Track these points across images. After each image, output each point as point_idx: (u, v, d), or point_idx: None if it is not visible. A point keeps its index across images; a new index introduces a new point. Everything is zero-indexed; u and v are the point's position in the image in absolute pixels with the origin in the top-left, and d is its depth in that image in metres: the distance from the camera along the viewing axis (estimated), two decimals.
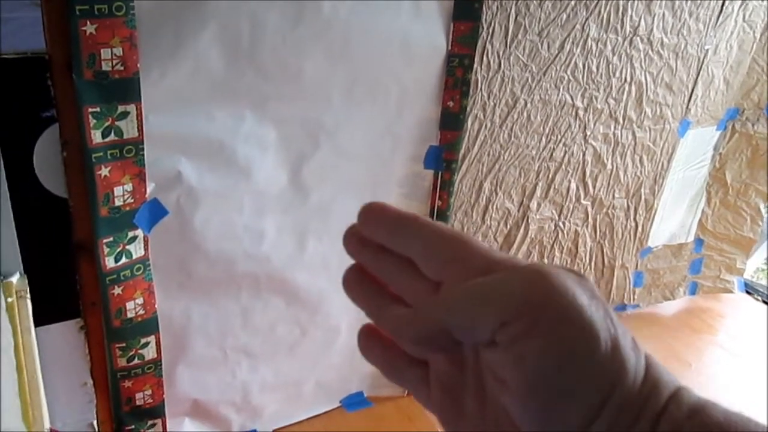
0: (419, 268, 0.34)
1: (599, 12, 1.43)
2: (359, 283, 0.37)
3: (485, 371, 0.31)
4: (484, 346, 0.31)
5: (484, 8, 1.25)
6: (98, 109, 0.96)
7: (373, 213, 0.36)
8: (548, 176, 1.60)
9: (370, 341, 0.36)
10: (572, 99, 1.51)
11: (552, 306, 0.28)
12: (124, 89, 0.97)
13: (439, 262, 0.33)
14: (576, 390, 0.28)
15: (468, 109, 1.35)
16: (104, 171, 1.00)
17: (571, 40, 1.43)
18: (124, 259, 1.09)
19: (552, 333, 0.28)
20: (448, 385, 0.33)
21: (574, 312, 0.28)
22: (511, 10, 1.31)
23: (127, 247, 1.09)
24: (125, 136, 1.01)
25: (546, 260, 1.73)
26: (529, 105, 1.45)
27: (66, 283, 1.09)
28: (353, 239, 0.37)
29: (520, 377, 0.29)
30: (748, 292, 2.14)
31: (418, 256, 0.34)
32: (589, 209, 1.73)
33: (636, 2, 1.47)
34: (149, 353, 1.20)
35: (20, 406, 0.77)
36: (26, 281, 1.03)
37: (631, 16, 1.48)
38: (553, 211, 1.67)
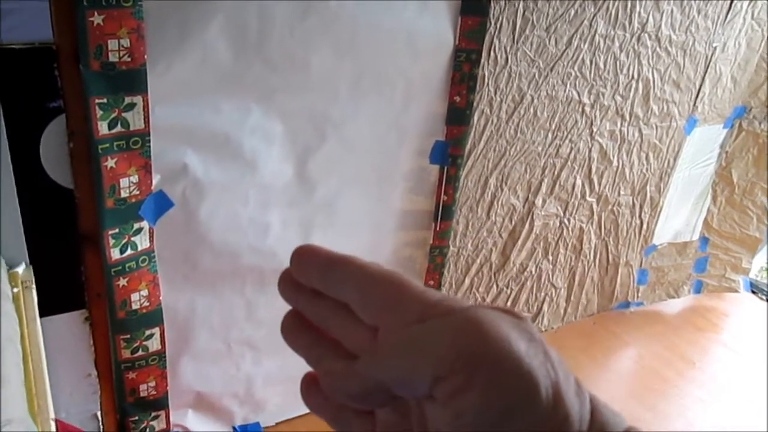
0: (355, 311, 0.32)
1: (607, 8, 1.43)
2: (297, 331, 0.36)
3: (429, 424, 0.30)
4: (424, 399, 0.29)
5: (491, 3, 1.25)
6: (105, 100, 0.96)
7: (304, 257, 0.34)
8: (554, 172, 1.59)
9: (312, 390, 0.34)
10: (579, 95, 1.51)
11: (486, 356, 0.27)
12: (131, 80, 0.97)
13: (373, 308, 0.31)
14: None
15: (474, 104, 1.34)
16: (110, 162, 1.00)
17: (578, 36, 1.42)
18: (129, 251, 1.09)
19: (489, 386, 0.26)
20: None
21: (510, 361, 0.26)
22: (518, 5, 1.30)
23: (133, 238, 1.09)
24: (132, 128, 1.00)
25: (550, 257, 1.73)
26: (535, 101, 1.45)
27: (71, 274, 1.09)
28: (288, 285, 0.35)
29: None
30: (753, 291, 2.14)
31: (352, 302, 0.32)
32: (595, 206, 1.73)
33: None
34: (153, 345, 1.20)
35: (25, 395, 0.78)
36: (32, 272, 1.03)
37: (640, 13, 1.48)
38: (559, 208, 1.66)
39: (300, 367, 0.35)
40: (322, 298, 0.34)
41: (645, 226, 1.87)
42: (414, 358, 0.28)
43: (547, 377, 0.27)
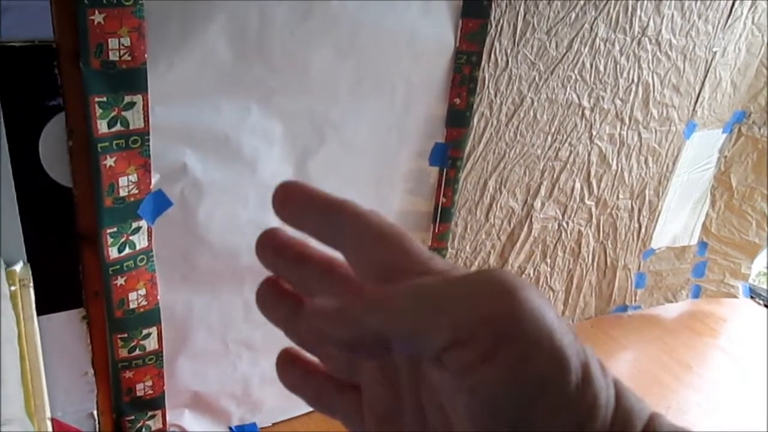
0: (349, 265, 0.29)
1: (608, 12, 1.43)
2: (276, 301, 0.32)
3: (424, 393, 0.27)
4: (427, 363, 0.26)
5: (492, 6, 1.25)
6: (105, 99, 0.96)
7: (295, 195, 0.30)
8: (553, 175, 1.59)
9: (289, 367, 0.32)
10: (579, 98, 1.51)
11: (518, 328, 0.23)
12: (131, 79, 0.97)
13: (375, 263, 0.28)
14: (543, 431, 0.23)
15: (474, 106, 1.34)
16: (109, 161, 1.00)
17: (579, 39, 1.42)
18: (127, 250, 1.09)
19: (517, 360, 0.23)
20: (383, 413, 0.29)
21: (543, 336, 0.23)
22: (519, 8, 1.30)
23: (131, 237, 1.09)
24: (131, 127, 1.00)
25: (549, 260, 1.73)
26: (535, 104, 1.45)
27: (69, 273, 1.09)
28: (268, 248, 0.31)
29: (475, 412, 0.24)
30: (751, 297, 2.14)
31: (351, 253, 0.29)
32: (593, 209, 1.73)
33: (645, 3, 1.47)
34: (151, 344, 1.20)
35: (22, 394, 0.77)
36: (29, 270, 1.03)
37: (640, 17, 1.48)
38: (557, 211, 1.66)
39: None
40: (306, 261, 0.31)
41: (643, 229, 1.87)
42: (428, 312, 0.24)
43: (577, 357, 0.24)
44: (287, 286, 0.32)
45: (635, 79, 1.57)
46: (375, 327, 0.25)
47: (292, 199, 0.30)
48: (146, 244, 1.12)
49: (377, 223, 0.28)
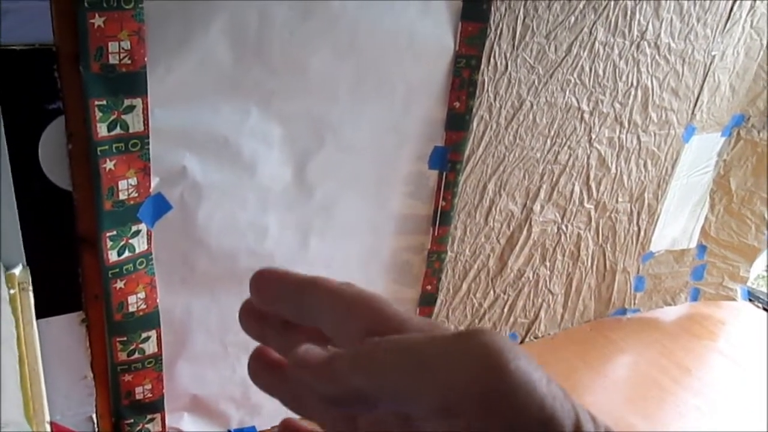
0: (331, 340, 0.29)
1: (607, 15, 1.43)
2: (267, 371, 0.33)
3: None
4: (416, 419, 0.26)
5: (492, 9, 1.25)
6: (104, 102, 0.96)
7: (268, 282, 0.31)
8: (552, 179, 1.59)
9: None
10: (578, 102, 1.51)
11: (508, 398, 0.23)
12: (130, 83, 0.97)
13: (352, 334, 0.28)
14: None
15: (474, 110, 1.34)
16: (109, 164, 1.00)
17: (578, 43, 1.42)
18: (127, 253, 1.09)
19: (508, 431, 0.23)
20: None
21: (533, 403, 0.23)
22: (519, 11, 1.30)
23: (131, 240, 1.09)
24: (131, 130, 1.00)
25: (548, 263, 1.73)
26: (534, 107, 1.45)
27: (68, 276, 1.09)
28: (251, 317, 0.33)
29: None
30: (749, 299, 2.14)
31: (328, 328, 0.29)
32: (593, 213, 1.73)
33: (644, 6, 1.47)
34: (150, 347, 1.20)
35: (21, 398, 0.77)
36: (29, 273, 1.02)
37: (639, 21, 1.48)
38: (557, 214, 1.66)
39: None
40: (291, 329, 0.31)
41: (642, 233, 1.87)
42: (412, 371, 0.24)
43: (568, 418, 0.24)
44: (275, 355, 0.33)
45: (634, 83, 1.57)
46: (359, 383, 0.25)
47: (266, 287, 0.31)
48: (146, 247, 1.12)
49: (349, 294, 0.28)
